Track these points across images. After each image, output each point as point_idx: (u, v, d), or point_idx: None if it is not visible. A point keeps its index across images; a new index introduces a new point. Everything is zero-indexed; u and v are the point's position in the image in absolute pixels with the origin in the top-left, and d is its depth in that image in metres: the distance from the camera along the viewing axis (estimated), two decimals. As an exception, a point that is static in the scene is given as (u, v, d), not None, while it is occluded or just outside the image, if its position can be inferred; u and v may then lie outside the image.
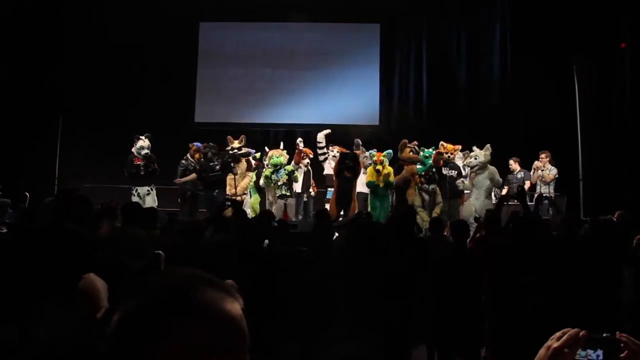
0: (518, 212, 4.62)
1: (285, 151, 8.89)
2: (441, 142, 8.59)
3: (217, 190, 8.51)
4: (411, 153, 8.47)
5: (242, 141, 8.61)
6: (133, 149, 8.61)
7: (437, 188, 8.33)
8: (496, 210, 5.02)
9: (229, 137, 8.64)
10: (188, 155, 8.85)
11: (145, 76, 11.91)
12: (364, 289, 3.11)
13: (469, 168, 8.49)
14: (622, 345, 1.04)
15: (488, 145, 8.31)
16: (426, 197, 8.33)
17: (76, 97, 11.05)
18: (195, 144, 8.92)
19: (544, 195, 8.41)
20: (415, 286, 3.68)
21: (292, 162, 8.92)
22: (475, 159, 8.20)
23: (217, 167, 8.59)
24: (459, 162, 8.80)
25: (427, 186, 8.31)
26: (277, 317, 3.02)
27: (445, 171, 8.41)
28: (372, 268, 3.15)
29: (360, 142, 9.14)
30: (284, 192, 8.58)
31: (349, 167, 8.20)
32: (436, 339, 4.11)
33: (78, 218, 3.09)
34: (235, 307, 0.85)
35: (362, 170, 8.62)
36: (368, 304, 3.05)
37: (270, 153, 8.73)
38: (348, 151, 8.66)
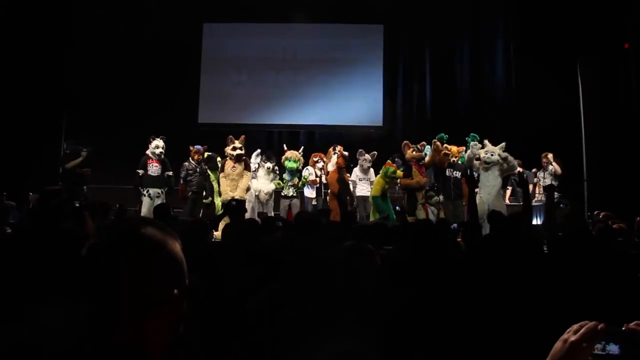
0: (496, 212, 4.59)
1: (302, 154, 8.99)
2: (445, 145, 8.54)
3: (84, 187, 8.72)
4: (414, 152, 8.47)
5: (242, 141, 8.55)
6: (148, 151, 8.55)
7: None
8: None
9: (230, 136, 8.62)
10: (190, 158, 8.79)
11: (148, 77, 11.90)
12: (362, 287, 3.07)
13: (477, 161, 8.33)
14: None
15: (503, 144, 8.16)
16: (433, 210, 8.29)
17: (80, 98, 11.06)
18: (196, 146, 8.87)
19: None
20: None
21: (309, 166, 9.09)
22: (492, 155, 8.02)
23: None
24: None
25: (438, 198, 8.31)
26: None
27: (448, 173, 8.38)
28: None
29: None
30: (291, 193, 8.63)
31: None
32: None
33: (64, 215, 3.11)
34: (175, 245, 1.00)
35: (361, 174, 8.79)
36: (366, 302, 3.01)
37: (288, 154, 8.79)
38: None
